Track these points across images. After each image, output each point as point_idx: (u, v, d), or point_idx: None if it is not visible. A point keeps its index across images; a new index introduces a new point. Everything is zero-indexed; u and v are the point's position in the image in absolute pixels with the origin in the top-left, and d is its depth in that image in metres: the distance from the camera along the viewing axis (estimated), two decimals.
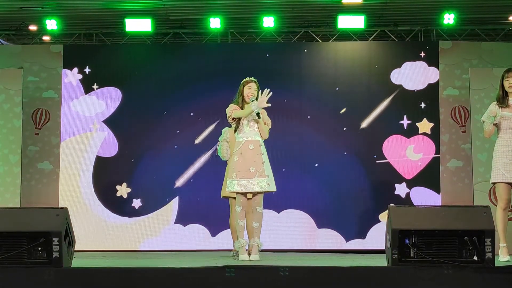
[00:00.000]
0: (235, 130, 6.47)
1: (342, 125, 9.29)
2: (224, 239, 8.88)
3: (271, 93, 6.32)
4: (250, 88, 6.43)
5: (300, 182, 9.19)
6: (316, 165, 9.22)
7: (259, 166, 6.32)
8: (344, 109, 9.29)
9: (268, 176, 6.36)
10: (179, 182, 9.22)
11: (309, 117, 9.31)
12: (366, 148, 9.24)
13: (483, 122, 6.44)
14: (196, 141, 9.26)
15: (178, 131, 9.32)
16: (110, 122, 9.35)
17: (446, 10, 9.26)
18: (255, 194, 6.37)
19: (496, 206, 7.57)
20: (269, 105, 6.33)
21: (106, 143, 9.32)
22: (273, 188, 6.39)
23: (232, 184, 6.34)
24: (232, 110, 6.41)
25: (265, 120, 6.47)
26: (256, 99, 6.39)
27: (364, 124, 9.26)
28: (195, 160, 9.25)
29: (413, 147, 9.20)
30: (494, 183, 6.43)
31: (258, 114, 6.30)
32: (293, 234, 9.11)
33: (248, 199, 6.45)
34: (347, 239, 9.09)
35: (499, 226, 6.25)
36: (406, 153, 9.19)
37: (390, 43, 9.69)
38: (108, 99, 9.38)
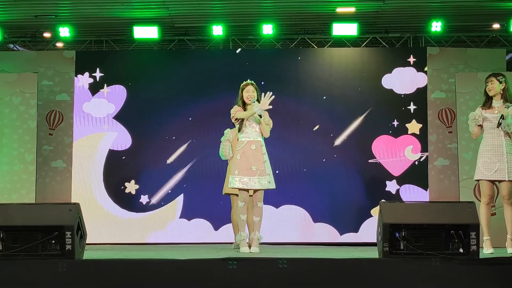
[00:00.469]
0: (239, 130, 6.51)
1: (336, 127, 9.27)
2: (225, 233, 8.87)
3: (273, 96, 6.38)
4: (248, 91, 6.52)
5: (297, 180, 9.16)
6: (305, 169, 9.16)
7: (261, 165, 6.37)
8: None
9: (268, 174, 6.41)
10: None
11: (301, 121, 9.28)
12: (359, 148, 9.22)
13: (469, 125, 6.50)
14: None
15: (174, 137, 9.29)
16: (120, 121, 9.35)
17: (434, 18, 9.25)
18: (256, 190, 6.41)
19: (480, 201, 7.60)
20: (271, 107, 6.40)
21: (116, 142, 9.30)
22: (272, 185, 6.45)
23: (234, 181, 6.38)
24: (235, 111, 6.49)
25: (266, 120, 6.52)
26: (257, 100, 6.46)
27: (355, 125, 9.24)
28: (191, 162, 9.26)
29: (411, 148, 9.18)
30: (476, 180, 6.51)
31: (259, 115, 6.35)
32: (291, 228, 9.10)
33: (249, 195, 6.50)
34: (341, 233, 9.08)
35: (482, 221, 6.26)
36: (405, 153, 9.16)
37: (381, 49, 9.68)
38: (117, 102, 9.37)
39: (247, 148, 6.40)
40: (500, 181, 6.31)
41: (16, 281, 3.91)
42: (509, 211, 6.30)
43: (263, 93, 6.44)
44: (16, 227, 4.49)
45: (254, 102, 6.41)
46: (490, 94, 6.42)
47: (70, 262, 4.13)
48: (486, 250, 6.24)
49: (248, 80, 6.65)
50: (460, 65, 9.36)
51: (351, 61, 9.43)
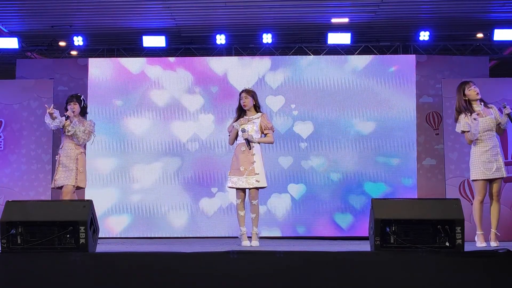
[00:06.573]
0: (236, 138, 6.61)
1: (332, 128, 9.24)
2: (229, 227, 8.87)
3: (248, 136, 6.45)
4: (242, 98, 6.59)
5: (301, 181, 9.14)
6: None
7: (249, 165, 6.39)
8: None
9: (257, 174, 6.39)
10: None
11: (303, 121, 9.28)
12: (352, 149, 9.20)
13: (463, 132, 6.35)
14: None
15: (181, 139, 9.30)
16: (128, 124, 9.35)
17: (422, 28, 9.28)
18: (251, 189, 6.42)
19: (465, 199, 7.57)
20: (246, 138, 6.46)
21: (126, 144, 9.30)
22: (262, 184, 6.44)
23: (227, 181, 6.48)
24: (229, 139, 6.69)
25: (267, 124, 6.53)
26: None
27: (352, 127, 9.23)
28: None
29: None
30: (474, 180, 6.33)
31: (248, 142, 6.42)
32: (291, 223, 9.08)
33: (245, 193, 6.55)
34: (337, 228, 9.06)
35: (477, 217, 6.20)
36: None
37: (373, 57, 9.66)
38: (127, 106, 9.36)
39: (238, 151, 6.53)
40: (494, 179, 6.26)
41: (34, 272, 3.92)
42: (496, 207, 6.25)
43: (242, 132, 6.45)
44: (33, 222, 4.49)
45: (243, 131, 6.44)
46: (478, 97, 6.34)
47: (84, 255, 4.14)
48: (480, 244, 6.19)
49: (243, 88, 6.76)
50: (446, 72, 9.35)
51: (345, 68, 9.42)
